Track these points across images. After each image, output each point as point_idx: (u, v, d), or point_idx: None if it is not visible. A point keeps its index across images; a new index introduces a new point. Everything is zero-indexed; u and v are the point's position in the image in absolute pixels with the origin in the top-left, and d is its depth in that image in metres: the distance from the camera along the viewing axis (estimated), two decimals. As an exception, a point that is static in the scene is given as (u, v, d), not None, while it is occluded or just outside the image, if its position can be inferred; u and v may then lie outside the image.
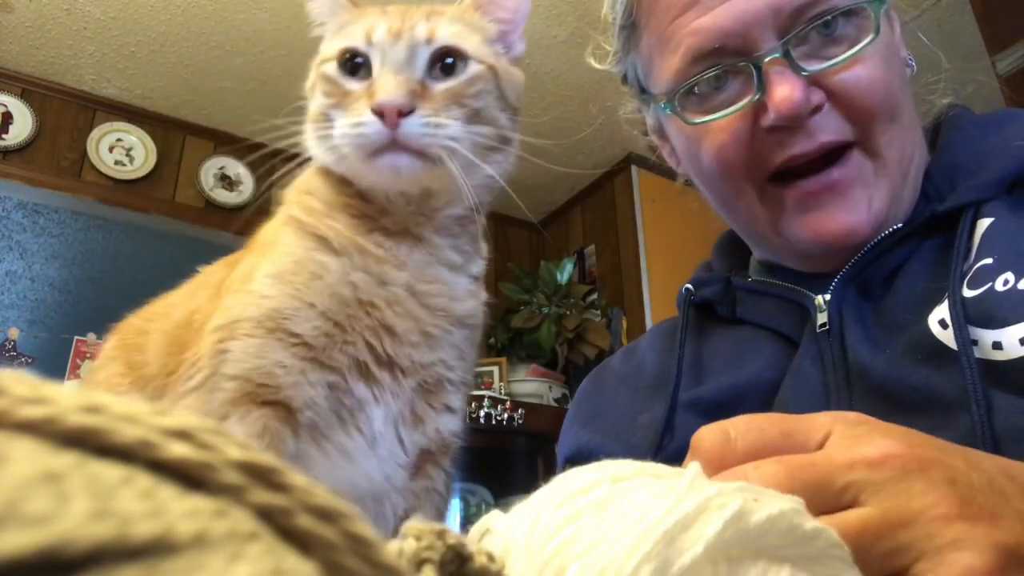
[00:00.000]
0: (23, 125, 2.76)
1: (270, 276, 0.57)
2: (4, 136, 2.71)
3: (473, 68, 0.60)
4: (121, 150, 2.92)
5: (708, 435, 0.34)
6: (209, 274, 0.69)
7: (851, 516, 0.29)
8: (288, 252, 0.58)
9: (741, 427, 0.33)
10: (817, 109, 0.58)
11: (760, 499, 0.25)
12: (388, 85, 0.56)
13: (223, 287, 0.61)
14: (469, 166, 0.58)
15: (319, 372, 0.55)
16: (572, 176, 3.58)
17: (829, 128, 0.58)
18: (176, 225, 2.94)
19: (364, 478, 0.58)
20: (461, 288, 0.63)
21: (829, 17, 0.57)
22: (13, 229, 3.18)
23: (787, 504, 0.25)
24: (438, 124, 0.56)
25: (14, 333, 2.79)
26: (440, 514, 0.63)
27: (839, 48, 0.57)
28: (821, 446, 0.32)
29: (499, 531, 0.27)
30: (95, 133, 2.88)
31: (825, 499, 0.30)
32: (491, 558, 0.21)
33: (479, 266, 0.67)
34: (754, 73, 0.58)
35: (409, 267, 0.60)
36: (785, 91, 0.56)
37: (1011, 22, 1.84)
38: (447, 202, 0.62)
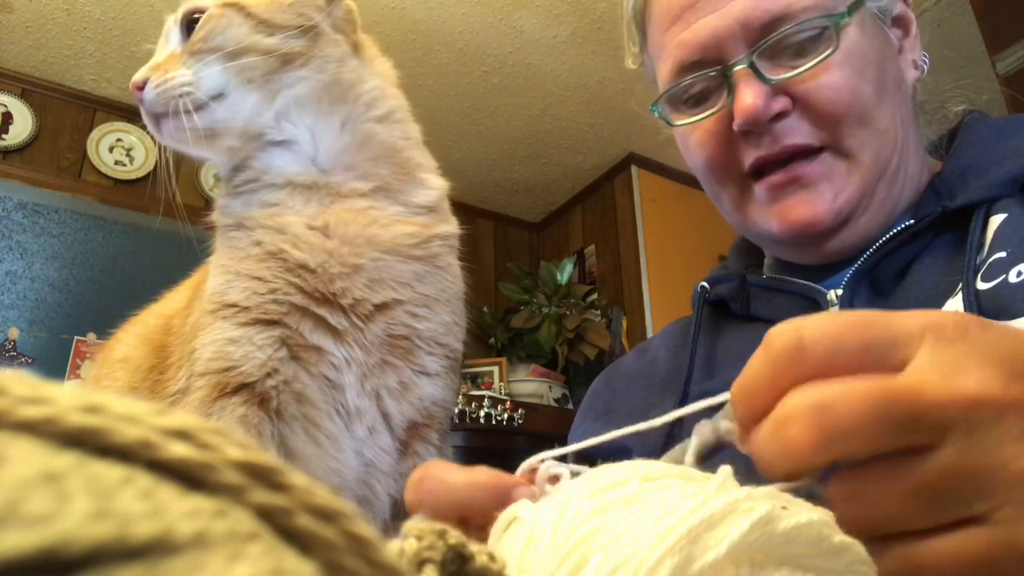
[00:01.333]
0: (23, 125, 2.76)
1: (212, 273, 0.62)
2: (4, 136, 2.71)
3: (205, 17, 0.64)
4: (121, 150, 2.92)
5: (780, 338, 0.30)
6: (184, 283, 0.72)
7: (933, 461, 0.27)
8: (218, 249, 0.64)
9: (817, 332, 0.29)
10: (782, 115, 0.62)
11: (789, 507, 0.25)
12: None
13: (196, 291, 0.64)
14: (249, 95, 0.62)
15: (264, 331, 0.57)
16: (572, 176, 3.58)
17: (794, 134, 0.62)
18: (176, 225, 2.94)
19: (344, 464, 0.58)
20: (385, 214, 0.63)
21: (792, 31, 0.61)
22: (13, 229, 3.18)
23: (816, 515, 0.25)
24: (164, 81, 0.61)
25: (14, 333, 2.79)
26: None
27: (806, 59, 0.61)
28: (906, 362, 0.29)
29: (526, 519, 0.27)
30: (95, 133, 2.88)
31: (914, 437, 0.27)
32: (492, 558, 0.21)
33: (423, 195, 0.67)
34: (726, 81, 0.63)
35: (306, 211, 0.62)
36: (747, 99, 0.61)
37: (1011, 22, 1.84)
38: (307, 141, 0.64)
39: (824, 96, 0.61)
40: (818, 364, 0.29)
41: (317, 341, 0.58)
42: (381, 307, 0.60)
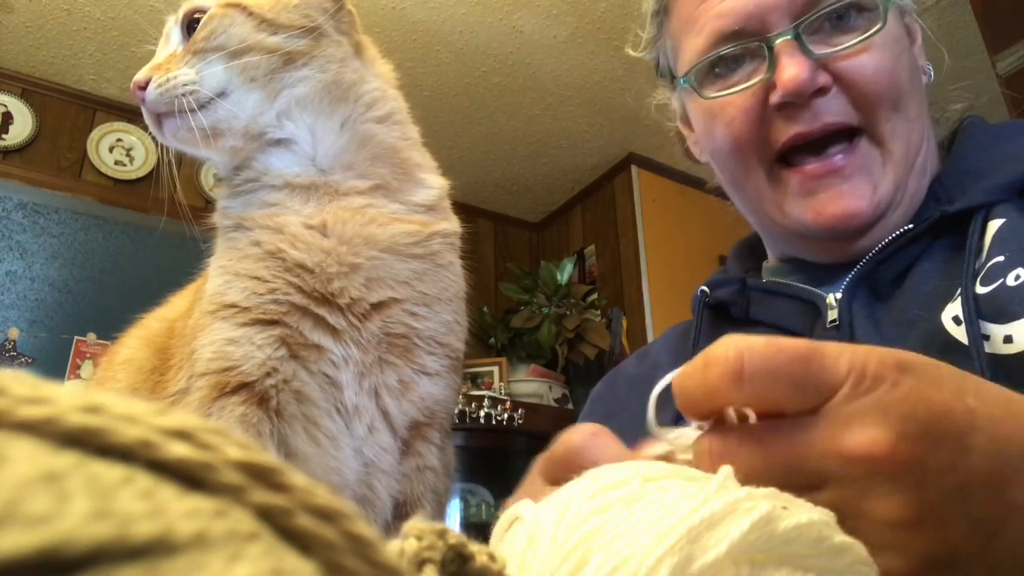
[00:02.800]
0: (23, 125, 2.76)
1: (212, 274, 0.62)
2: (4, 136, 2.71)
3: (207, 16, 0.64)
4: (121, 150, 2.92)
5: (722, 354, 0.31)
6: (188, 287, 0.72)
7: (813, 498, 0.29)
8: (218, 250, 0.64)
9: (757, 361, 0.31)
10: (823, 91, 0.61)
11: (790, 507, 0.25)
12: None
13: (199, 294, 0.64)
14: (251, 94, 0.62)
15: (264, 331, 0.57)
16: (572, 176, 3.58)
17: (833, 111, 0.61)
18: (176, 225, 2.94)
19: (343, 463, 0.57)
20: (383, 212, 0.63)
21: (840, 7, 0.61)
22: (13, 229, 3.18)
23: (817, 515, 0.25)
24: (166, 80, 0.61)
25: (14, 333, 2.79)
26: (437, 493, 0.63)
27: (848, 37, 0.61)
28: (825, 402, 0.31)
29: (527, 519, 0.27)
30: (95, 133, 2.88)
31: (795, 482, 0.30)
32: (492, 557, 0.21)
33: (422, 194, 0.67)
34: (767, 53, 0.62)
35: (304, 211, 0.62)
36: (792, 70, 0.60)
37: (1011, 22, 1.84)
38: (307, 141, 0.65)
39: (867, 75, 0.60)
40: (750, 394, 0.31)
41: (317, 339, 0.58)
42: (378, 306, 0.59)
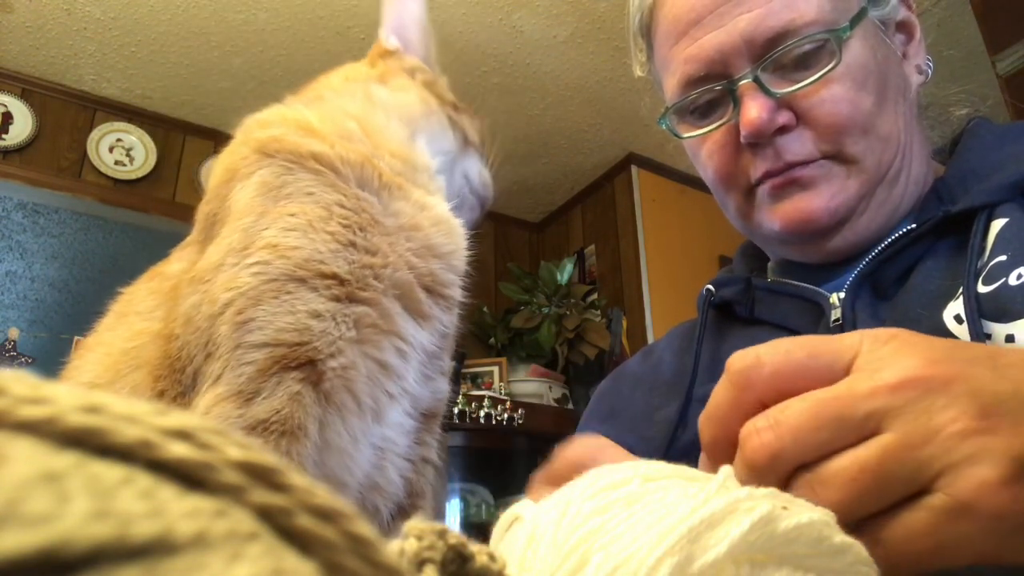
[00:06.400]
0: (23, 125, 2.76)
1: (296, 229, 0.53)
2: (4, 136, 2.71)
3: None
4: (121, 150, 2.92)
5: (739, 359, 0.35)
6: (132, 295, 0.62)
7: (872, 444, 0.30)
8: (314, 200, 0.55)
9: (769, 350, 0.34)
10: (785, 128, 0.63)
11: (790, 507, 0.25)
12: None
13: (178, 289, 0.56)
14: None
15: (348, 307, 0.53)
16: (572, 176, 3.58)
17: (796, 150, 0.64)
18: (176, 225, 2.94)
19: (356, 463, 0.57)
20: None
21: (795, 46, 0.62)
22: (13, 229, 3.18)
23: (817, 515, 0.25)
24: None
25: (14, 333, 2.79)
26: (435, 488, 0.63)
27: (807, 73, 0.62)
28: (849, 368, 0.32)
29: (527, 519, 0.27)
30: (95, 133, 2.88)
31: (851, 431, 0.30)
32: (492, 557, 0.21)
33: None
34: (732, 95, 0.65)
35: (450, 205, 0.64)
36: (752, 112, 0.62)
37: (1011, 22, 1.84)
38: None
39: (825, 110, 0.62)
40: (771, 375, 0.33)
41: (399, 324, 0.56)
42: (457, 304, 0.62)
